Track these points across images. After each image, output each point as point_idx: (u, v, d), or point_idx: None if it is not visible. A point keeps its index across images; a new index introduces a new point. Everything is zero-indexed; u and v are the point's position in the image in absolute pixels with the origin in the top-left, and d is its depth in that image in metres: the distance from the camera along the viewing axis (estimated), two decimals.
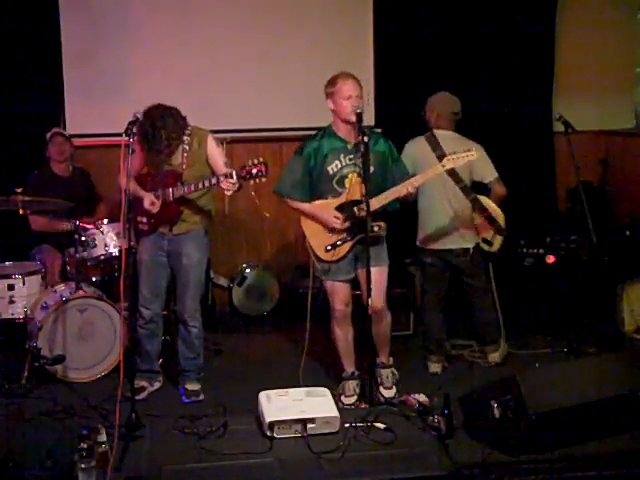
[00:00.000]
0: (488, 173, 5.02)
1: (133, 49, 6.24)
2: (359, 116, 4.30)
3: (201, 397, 4.70)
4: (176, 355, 4.84)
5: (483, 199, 5.00)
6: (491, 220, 4.98)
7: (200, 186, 4.43)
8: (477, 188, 5.06)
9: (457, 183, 4.95)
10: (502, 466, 3.73)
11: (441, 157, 4.82)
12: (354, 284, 4.58)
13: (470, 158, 4.33)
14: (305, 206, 4.52)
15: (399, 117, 6.28)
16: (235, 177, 4.24)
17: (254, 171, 4.22)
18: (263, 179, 4.25)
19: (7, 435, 3.90)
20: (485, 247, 5.05)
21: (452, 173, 4.86)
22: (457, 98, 5.18)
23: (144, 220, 4.61)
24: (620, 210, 6.49)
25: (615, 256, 5.71)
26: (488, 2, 6.44)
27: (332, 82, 4.42)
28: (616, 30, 6.72)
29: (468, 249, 5.02)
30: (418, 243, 5.13)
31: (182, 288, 4.70)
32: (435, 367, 5.15)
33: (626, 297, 5.62)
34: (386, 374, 4.69)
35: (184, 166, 4.55)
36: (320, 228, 4.49)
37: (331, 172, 4.44)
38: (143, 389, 4.70)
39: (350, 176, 4.42)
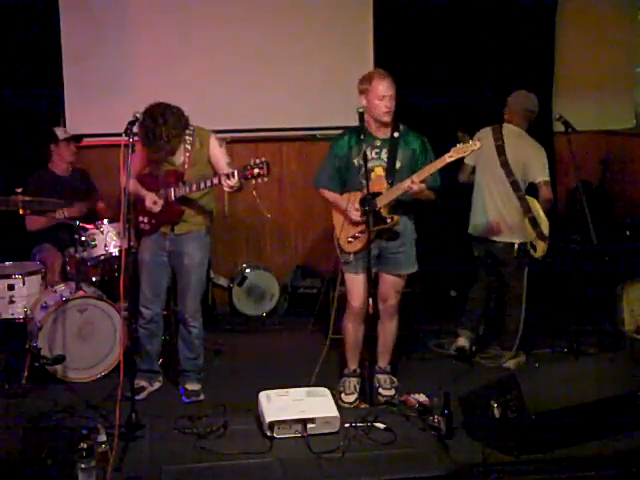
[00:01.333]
0: (539, 174, 5.07)
1: (133, 49, 6.23)
2: (361, 115, 4.33)
3: (201, 397, 4.70)
4: (176, 355, 4.84)
5: (531, 200, 5.06)
6: (534, 223, 5.00)
7: (202, 186, 4.44)
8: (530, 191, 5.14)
9: (508, 177, 5.03)
10: (502, 466, 3.73)
11: (500, 148, 5.04)
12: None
13: (474, 148, 4.26)
14: (334, 196, 4.56)
15: (399, 116, 6.26)
16: (236, 177, 4.25)
17: (255, 171, 4.23)
18: (265, 179, 4.26)
19: (7, 435, 3.91)
20: (532, 252, 5.08)
21: (505, 165, 5.02)
22: (534, 96, 5.26)
23: (145, 220, 4.61)
24: (620, 210, 6.49)
25: (615, 256, 5.71)
26: (488, 3, 6.44)
27: (368, 79, 4.44)
28: (616, 30, 6.72)
29: (512, 244, 5.06)
30: (469, 231, 5.25)
31: (183, 288, 4.70)
32: (462, 341, 5.26)
33: (626, 297, 5.61)
34: (384, 379, 4.70)
35: (186, 166, 4.55)
36: (345, 220, 4.52)
37: (357, 164, 4.47)
38: (143, 389, 4.70)
39: (376, 170, 4.44)
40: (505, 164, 5.04)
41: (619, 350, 5.24)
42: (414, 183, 4.28)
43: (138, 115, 4.22)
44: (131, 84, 6.12)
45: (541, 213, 5.03)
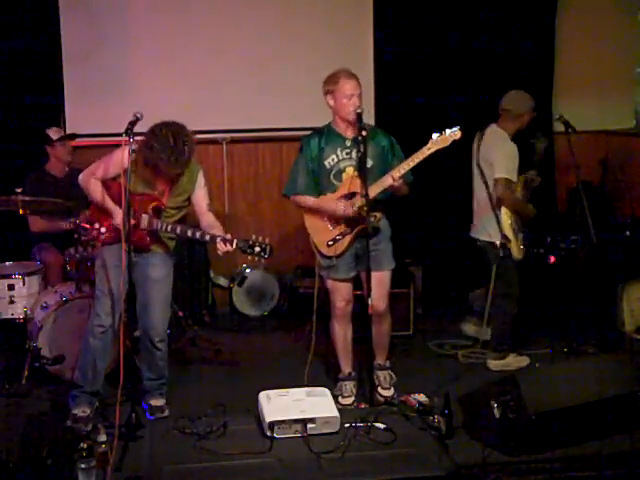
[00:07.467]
0: (495, 170, 4.95)
1: (133, 49, 6.24)
2: (359, 116, 4.30)
3: (166, 413, 4.42)
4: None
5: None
6: (499, 223, 4.97)
7: (189, 234, 4.16)
8: None
9: (481, 177, 5.02)
10: (502, 466, 3.73)
11: (477, 148, 5.10)
12: (356, 284, 4.58)
13: (454, 137, 4.19)
14: (314, 201, 4.49)
15: (399, 116, 6.28)
16: (234, 246, 4.03)
17: (257, 249, 4.02)
18: (262, 260, 4.06)
19: (7, 435, 3.91)
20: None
21: (478, 165, 5.01)
22: (517, 95, 5.14)
23: (103, 231, 4.36)
24: (620, 210, 6.50)
25: (615, 256, 5.71)
26: (488, 2, 6.44)
27: (333, 79, 4.39)
28: (616, 31, 6.72)
29: (492, 243, 5.00)
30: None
31: (148, 303, 4.37)
32: (465, 327, 5.56)
33: (626, 297, 5.62)
34: (383, 376, 4.68)
35: (166, 194, 4.29)
36: (322, 224, 4.49)
37: (328, 166, 4.45)
38: (85, 418, 4.23)
39: (347, 170, 4.42)
40: (478, 164, 4.99)
41: (619, 350, 5.24)
42: (395, 180, 4.26)
43: (138, 115, 4.13)
44: (131, 84, 6.12)
45: (504, 215, 4.95)
